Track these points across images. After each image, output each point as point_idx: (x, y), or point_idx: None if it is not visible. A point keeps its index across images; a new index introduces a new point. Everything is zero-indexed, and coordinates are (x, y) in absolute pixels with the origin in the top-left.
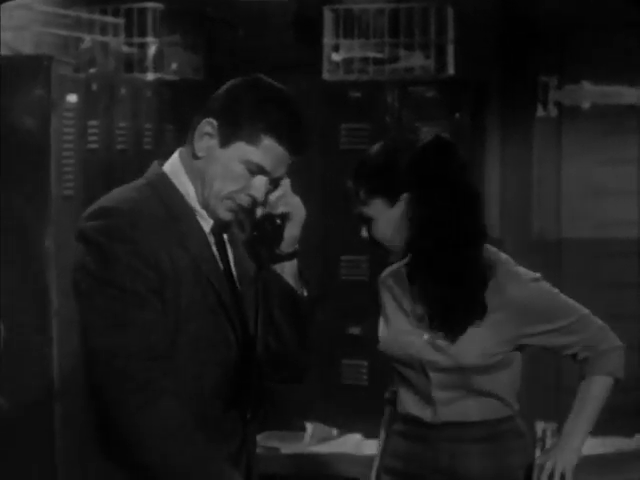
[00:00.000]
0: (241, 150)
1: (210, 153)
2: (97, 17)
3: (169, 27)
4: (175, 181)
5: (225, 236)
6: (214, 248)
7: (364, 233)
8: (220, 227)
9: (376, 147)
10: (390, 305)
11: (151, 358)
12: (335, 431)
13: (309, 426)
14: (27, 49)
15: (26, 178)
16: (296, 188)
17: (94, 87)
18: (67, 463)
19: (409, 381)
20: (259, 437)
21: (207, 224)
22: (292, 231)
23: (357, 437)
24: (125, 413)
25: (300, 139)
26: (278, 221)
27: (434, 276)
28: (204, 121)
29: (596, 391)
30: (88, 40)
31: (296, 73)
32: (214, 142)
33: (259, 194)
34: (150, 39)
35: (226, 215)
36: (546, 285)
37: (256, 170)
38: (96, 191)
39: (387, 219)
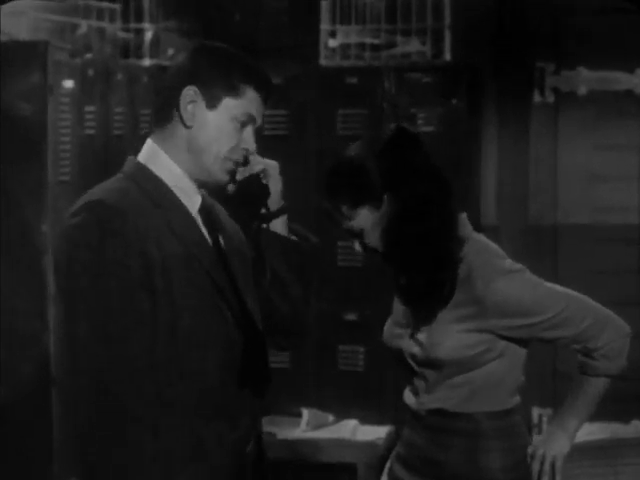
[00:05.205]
0: (230, 106)
1: (200, 119)
2: (93, 3)
3: (165, 13)
4: (153, 168)
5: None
6: (203, 229)
7: (357, 247)
8: (211, 196)
9: (339, 159)
10: (396, 298)
11: (133, 372)
12: (331, 417)
13: (305, 412)
14: (23, 35)
15: (23, 164)
16: (293, 174)
17: (90, 73)
18: (65, 448)
19: (403, 372)
20: None
21: (193, 203)
22: (276, 185)
23: (353, 423)
24: (91, 433)
25: (271, 85)
26: (263, 179)
27: (403, 265)
28: (185, 90)
29: (590, 389)
30: (84, 26)
31: (293, 59)
32: (201, 107)
33: (251, 145)
34: (146, 25)
35: (225, 177)
36: (526, 278)
37: (247, 120)
38: (92, 176)
39: (378, 223)
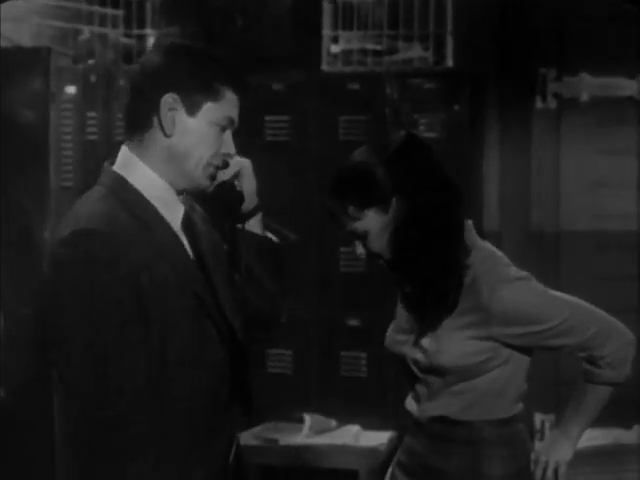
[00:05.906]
0: (210, 110)
1: (181, 126)
2: (96, 9)
3: (168, 19)
4: (132, 180)
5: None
6: (186, 243)
7: (360, 249)
8: (194, 202)
9: (351, 159)
10: (400, 302)
11: (127, 401)
12: (334, 423)
13: (307, 418)
14: (26, 41)
15: (25, 169)
16: (295, 179)
17: (93, 79)
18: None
19: (405, 378)
20: (258, 429)
21: (176, 217)
22: (250, 184)
23: (356, 428)
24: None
25: (248, 85)
26: (237, 184)
27: (409, 272)
28: (165, 97)
29: (594, 396)
30: (87, 32)
31: (295, 65)
32: (181, 114)
33: (232, 149)
34: (149, 31)
35: (207, 183)
36: (532, 286)
37: (227, 124)
38: (95, 182)
39: (384, 228)
